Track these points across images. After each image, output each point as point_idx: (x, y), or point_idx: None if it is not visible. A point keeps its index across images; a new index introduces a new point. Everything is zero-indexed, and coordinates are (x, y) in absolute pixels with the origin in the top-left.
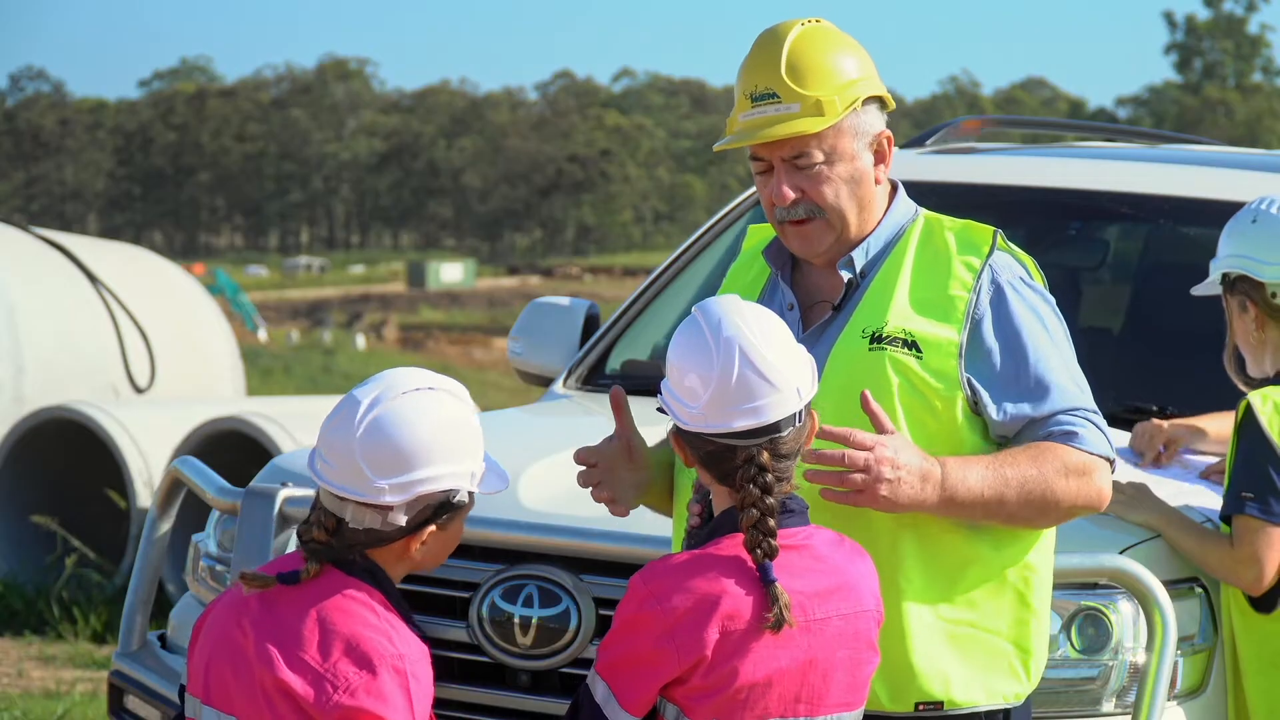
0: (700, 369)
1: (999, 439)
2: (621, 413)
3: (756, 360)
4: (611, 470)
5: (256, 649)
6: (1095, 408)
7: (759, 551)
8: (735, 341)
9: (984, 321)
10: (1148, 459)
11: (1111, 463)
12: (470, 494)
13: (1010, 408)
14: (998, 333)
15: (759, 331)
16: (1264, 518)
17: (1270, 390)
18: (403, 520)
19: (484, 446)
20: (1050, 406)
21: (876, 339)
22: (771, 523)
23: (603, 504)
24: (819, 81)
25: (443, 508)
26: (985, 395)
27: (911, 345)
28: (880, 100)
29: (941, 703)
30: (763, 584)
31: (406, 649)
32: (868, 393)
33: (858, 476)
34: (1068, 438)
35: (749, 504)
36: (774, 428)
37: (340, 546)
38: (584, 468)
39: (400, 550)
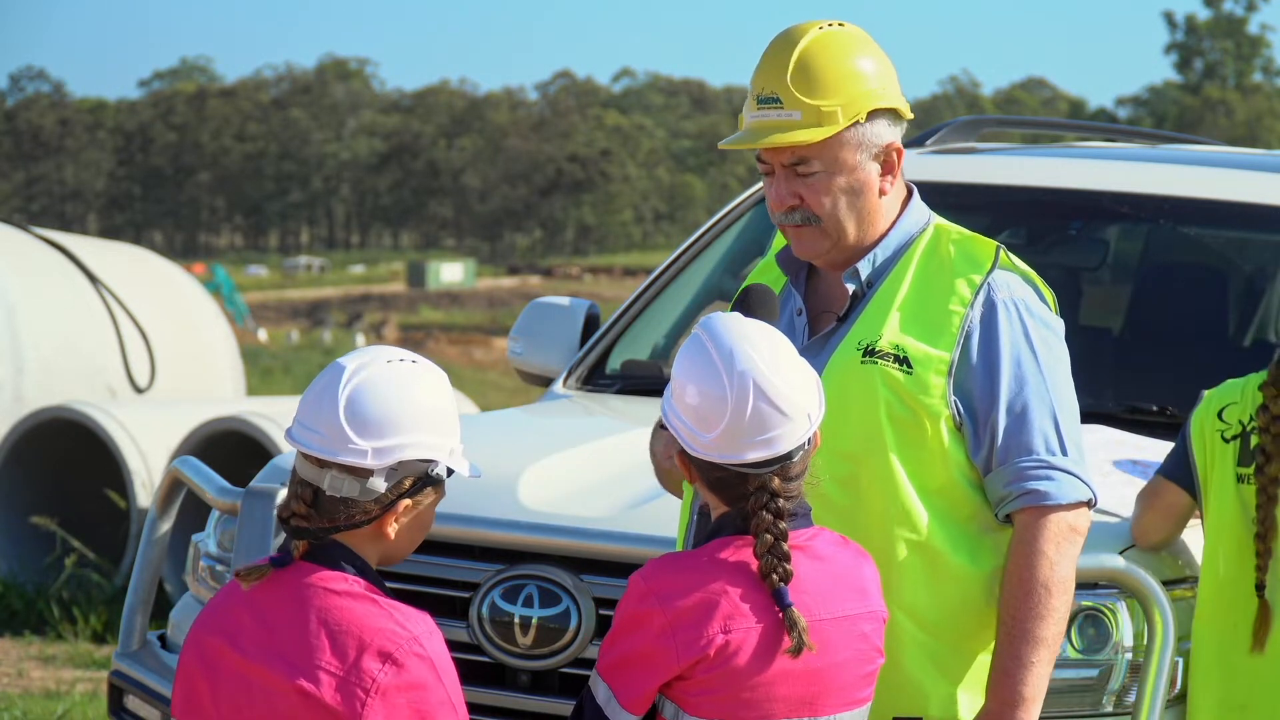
0: (713, 402)
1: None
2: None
3: (771, 393)
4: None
5: (270, 668)
6: (1070, 450)
7: (775, 576)
8: (750, 375)
9: (972, 340)
10: None
11: (1089, 504)
12: (447, 472)
13: (977, 449)
14: (980, 354)
15: (770, 360)
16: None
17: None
18: (382, 486)
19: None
20: (1014, 451)
21: (870, 353)
22: (785, 547)
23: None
24: (825, 90)
25: (420, 481)
26: (967, 424)
27: (902, 361)
28: (893, 112)
29: (920, 719)
30: (779, 608)
31: (417, 628)
32: None
33: None
34: (1035, 497)
35: (762, 530)
36: (786, 455)
37: (319, 521)
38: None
39: (374, 532)
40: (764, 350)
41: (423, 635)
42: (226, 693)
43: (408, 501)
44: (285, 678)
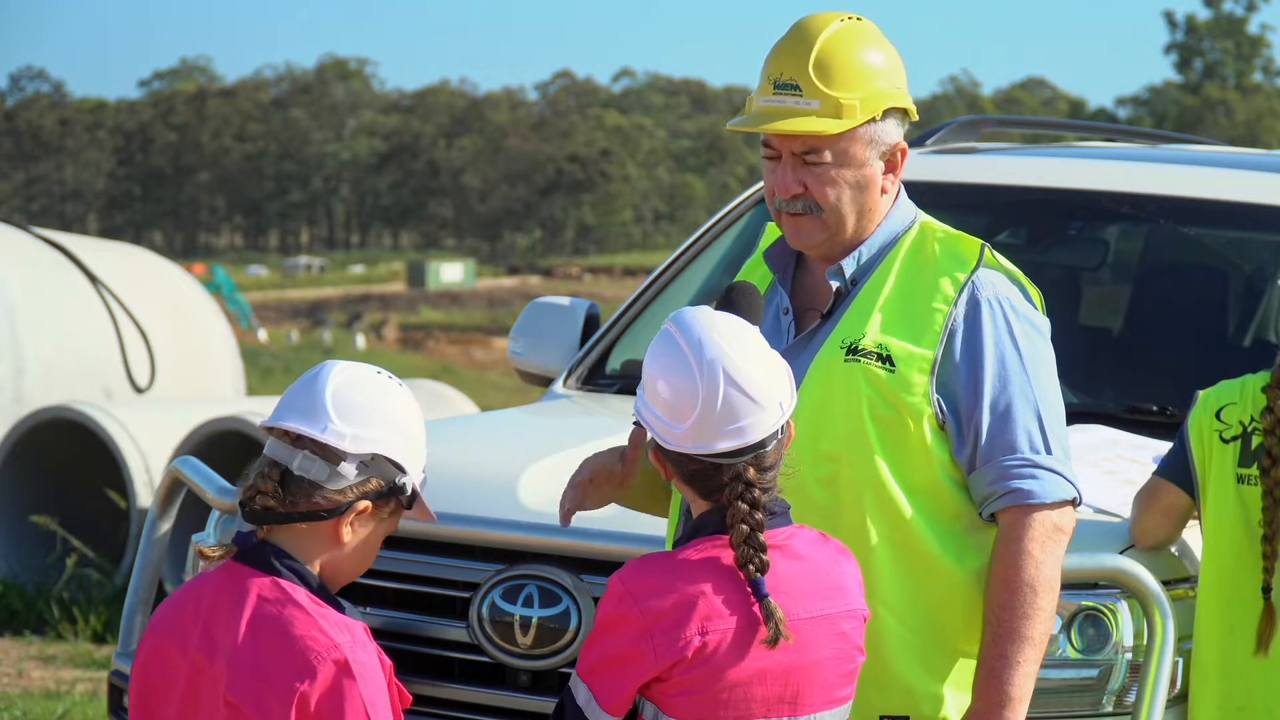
0: (684, 392)
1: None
2: (637, 451)
3: (741, 380)
4: (598, 488)
5: (210, 674)
6: (1055, 449)
7: (751, 567)
8: (719, 364)
9: (955, 338)
10: None
11: (1074, 502)
12: (413, 495)
13: (961, 448)
14: (964, 352)
15: (739, 349)
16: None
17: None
18: (352, 475)
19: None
20: (998, 449)
21: (853, 350)
22: (761, 538)
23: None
24: (844, 83)
25: (387, 489)
26: (950, 423)
27: (885, 359)
28: (903, 111)
29: (907, 717)
30: (755, 598)
31: (340, 636)
32: None
33: None
34: (1019, 496)
35: (738, 520)
36: (759, 444)
37: (283, 503)
38: (577, 481)
39: (330, 532)
40: (732, 339)
41: (344, 644)
42: (177, 694)
43: (369, 504)
44: (222, 685)
